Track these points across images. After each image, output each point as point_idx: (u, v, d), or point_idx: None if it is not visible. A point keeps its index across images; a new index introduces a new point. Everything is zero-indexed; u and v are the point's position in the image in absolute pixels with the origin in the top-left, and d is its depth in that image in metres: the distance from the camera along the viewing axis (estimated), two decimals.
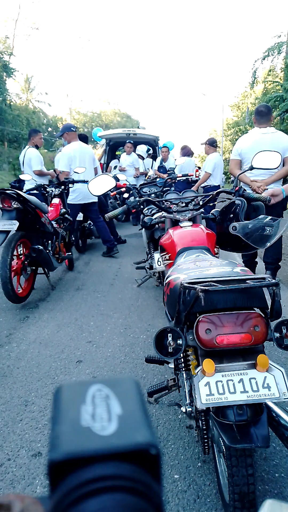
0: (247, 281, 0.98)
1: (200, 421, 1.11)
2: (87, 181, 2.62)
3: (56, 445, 0.18)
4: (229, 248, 1.82)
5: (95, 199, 4.39)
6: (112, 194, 2.46)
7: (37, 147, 4.87)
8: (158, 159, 6.91)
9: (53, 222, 3.34)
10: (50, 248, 3.24)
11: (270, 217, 1.62)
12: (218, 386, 0.92)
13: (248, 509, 0.95)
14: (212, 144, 5.22)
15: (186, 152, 6.31)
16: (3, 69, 19.78)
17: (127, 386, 0.22)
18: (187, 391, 1.18)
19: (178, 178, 4.02)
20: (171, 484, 1.27)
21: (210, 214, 1.91)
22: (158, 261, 2.72)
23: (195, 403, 0.93)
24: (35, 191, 3.85)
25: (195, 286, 0.95)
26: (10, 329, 2.53)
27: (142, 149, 7.39)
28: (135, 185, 3.73)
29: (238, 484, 0.94)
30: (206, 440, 1.10)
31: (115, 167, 7.03)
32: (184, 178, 4.25)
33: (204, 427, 1.09)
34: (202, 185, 5.14)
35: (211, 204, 2.09)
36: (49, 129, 29.16)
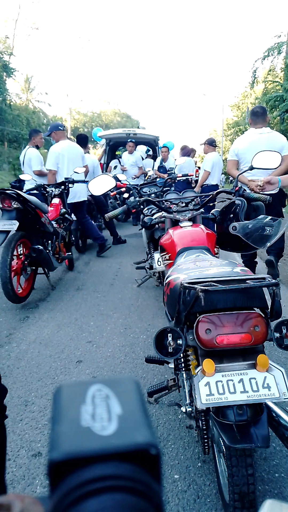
0: (247, 281, 0.98)
1: (200, 421, 1.11)
2: (87, 181, 2.62)
3: (56, 445, 0.18)
4: (229, 248, 1.82)
5: (85, 198, 4.37)
6: (112, 194, 2.46)
7: (37, 147, 4.87)
8: (158, 159, 6.91)
9: (53, 222, 3.35)
10: (50, 248, 3.24)
11: (270, 217, 1.62)
12: (218, 386, 0.92)
13: (248, 509, 0.95)
14: (211, 144, 5.24)
15: (186, 152, 6.31)
16: (3, 69, 19.78)
17: (127, 386, 0.22)
18: (187, 391, 1.18)
19: (178, 178, 4.02)
20: (171, 484, 1.27)
21: (210, 214, 1.91)
22: (158, 261, 2.72)
23: (195, 403, 0.93)
24: (35, 191, 3.85)
25: (195, 286, 0.95)
26: (10, 329, 2.53)
27: (141, 149, 7.39)
28: (136, 185, 3.73)
29: (238, 484, 0.94)
30: (206, 440, 1.10)
31: (115, 167, 7.02)
32: (184, 178, 4.25)
33: (204, 427, 1.09)
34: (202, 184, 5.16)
35: (211, 204, 2.09)
36: None
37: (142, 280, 3.36)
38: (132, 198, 1.99)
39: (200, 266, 1.24)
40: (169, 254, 1.65)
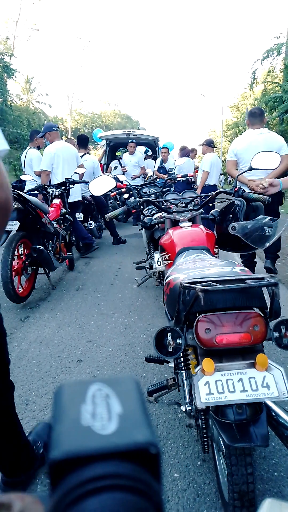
0: (246, 281, 0.99)
1: (199, 420, 1.11)
2: (88, 182, 2.62)
3: (57, 444, 0.18)
4: (228, 248, 1.82)
5: (79, 198, 4.37)
6: (112, 194, 2.46)
7: (38, 147, 4.87)
8: (158, 160, 6.90)
9: (54, 223, 3.35)
10: (50, 248, 3.24)
11: (269, 217, 1.62)
12: (218, 385, 0.92)
13: (248, 508, 0.95)
14: (209, 144, 5.26)
15: (185, 153, 6.31)
16: (3, 70, 19.74)
17: (127, 385, 0.22)
18: (186, 390, 1.18)
19: (178, 179, 4.02)
20: (171, 483, 1.27)
21: (209, 215, 1.91)
22: (158, 261, 2.72)
23: (195, 402, 0.93)
24: (36, 192, 3.85)
25: (195, 286, 0.95)
26: (11, 328, 2.53)
27: (140, 150, 7.38)
28: (136, 185, 3.73)
29: (238, 483, 0.95)
30: (205, 439, 1.11)
31: (115, 168, 7.01)
32: (183, 178, 4.25)
33: (204, 426, 1.09)
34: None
35: (210, 204, 2.10)
36: None
37: (142, 280, 3.36)
38: (132, 199, 2.00)
39: (200, 266, 1.24)
40: (169, 254, 1.66)
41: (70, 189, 3.91)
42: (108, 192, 1.97)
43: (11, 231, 2.71)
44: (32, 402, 1.73)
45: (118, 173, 5.72)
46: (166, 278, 1.31)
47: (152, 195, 3.32)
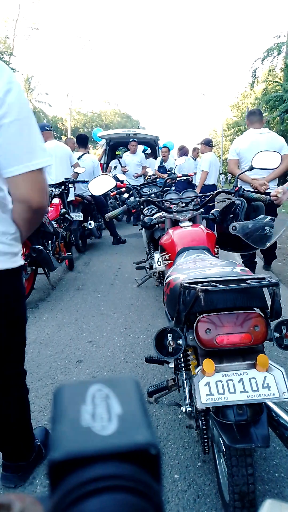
0: (247, 281, 0.98)
1: (200, 421, 1.11)
2: (88, 181, 2.62)
3: (56, 445, 0.18)
4: (229, 248, 1.82)
5: (73, 198, 4.38)
6: (112, 194, 2.46)
7: None
8: (158, 159, 6.91)
9: (53, 222, 3.35)
10: (50, 248, 3.24)
11: (269, 217, 1.62)
12: (218, 386, 0.92)
13: (248, 509, 0.95)
14: (207, 144, 5.23)
15: (184, 152, 6.31)
16: None
17: (127, 386, 0.22)
18: (187, 391, 1.18)
19: (178, 178, 4.03)
20: (171, 484, 1.27)
21: (210, 214, 1.91)
22: (158, 261, 2.72)
23: (195, 403, 0.93)
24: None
25: (195, 286, 0.95)
26: None
27: (139, 149, 7.37)
28: (136, 185, 3.73)
29: (238, 484, 0.94)
30: (206, 440, 1.10)
31: (115, 167, 7.02)
32: (184, 178, 4.25)
33: (204, 427, 1.09)
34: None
35: (211, 204, 2.10)
36: None
37: (142, 280, 3.36)
38: (132, 198, 1.99)
39: (200, 266, 1.24)
40: (169, 254, 1.65)
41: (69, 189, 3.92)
42: (108, 191, 1.97)
43: None
44: (32, 402, 1.72)
45: (118, 173, 5.72)
46: (166, 278, 1.31)
47: (152, 195, 3.32)
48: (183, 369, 1.18)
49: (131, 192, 2.26)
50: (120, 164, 6.85)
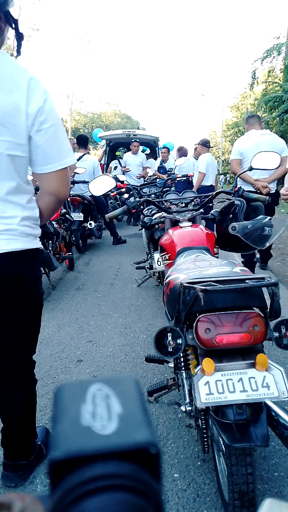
0: (246, 281, 0.99)
1: (199, 420, 1.11)
2: (88, 182, 2.62)
3: (57, 444, 0.18)
4: (228, 248, 1.82)
5: (68, 198, 4.40)
6: (112, 194, 2.46)
7: None
8: (158, 160, 6.90)
9: (54, 223, 3.35)
10: (50, 248, 3.24)
11: (269, 217, 1.62)
12: (218, 385, 0.92)
13: (248, 508, 0.95)
14: (204, 144, 5.17)
15: (183, 153, 6.29)
16: None
17: (127, 385, 0.22)
18: (186, 390, 1.18)
19: (178, 179, 4.02)
20: (171, 483, 1.27)
21: (209, 215, 1.91)
22: (158, 261, 2.72)
23: (195, 402, 0.93)
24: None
25: (195, 286, 0.95)
26: None
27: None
28: (136, 185, 3.73)
29: (238, 483, 0.95)
30: (205, 439, 1.11)
31: (115, 168, 7.01)
32: (184, 178, 4.25)
33: (204, 426, 1.09)
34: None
35: (210, 204, 2.10)
36: None
37: (142, 280, 3.36)
38: (132, 199, 2.00)
39: (200, 266, 1.24)
40: (169, 254, 1.66)
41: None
42: (108, 192, 1.97)
43: None
44: None
45: (118, 173, 5.71)
46: (166, 278, 1.31)
47: (152, 195, 3.32)
48: (183, 368, 1.18)
49: (131, 192, 2.26)
50: (120, 164, 6.84)
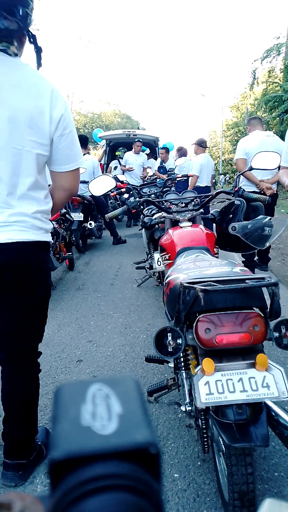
0: (246, 281, 0.99)
1: (199, 420, 1.11)
2: (88, 182, 2.62)
3: (57, 444, 0.18)
4: (228, 248, 1.82)
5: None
6: (112, 194, 2.47)
7: None
8: (159, 160, 6.90)
9: (54, 223, 3.35)
10: (50, 248, 3.24)
11: (269, 217, 1.62)
12: (218, 385, 0.92)
13: (248, 508, 0.95)
14: (200, 144, 5.08)
15: (183, 153, 6.28)
16: None
17: (127, 385, 0.22)
18: (186, 390, 1.18)
19: (178, 179, 4.02)
20: (171, 483, 1.27)
21: (209, 215, 1.91)
22: (158, 261, 2.72)
23: (195, 402, 0.93)
24: None
25: (195, 286, 0.95)
26: None
27: None
28: (136, 185, 3.73)
29: (238, 483, 0.95)
30: (205, 439, 1.11)
31: (115, 168, 7.00)
32: (184, 178, 4.25)
33: (204, 426, 1.09)
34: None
35: (211, 204, 2.10)
36: None
37: (142, 280, 3.36)
38: (132, 199, 2.00)
39: (200, 266, 1.24)
40: (169, 254, 1.66)
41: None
42: (108, 192, 1.97)
43: None
44: None
45: (118, 173, 5.71)
46: (166, 278, 1.32)
47: (152, 195, 3.32)
48: (183, 368, 1.18)
49: (131, 192, 2.26)
50: (120, 164, 6.83)
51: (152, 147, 7.91)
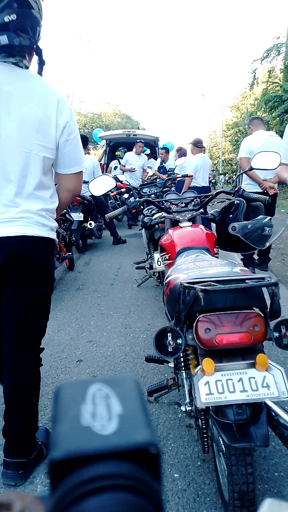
0: (246, 281, 0.99)
1: (199, 420, 1.11)
2: (88, 182, 2.62)
3: (57, 444, 0.18)
4: (228, 248, 1.82)
5: None
6: (112, 194, 2.47)
7: None
8: (159, 160, 6.89)
9: None
10: (55, 246, 3.24)
11: (269, 217, 1.62)
12: (218, 385, 0.92)
13: (248, 508, 0.95)
14: (196, 144, 4.99)
15: (182, 153, 6.27)
16: None
17: (127, 385, 0.22)
18: (186, 390, 1.18)
19: (178, 179, 4.03)
20: (171, 483, 1.27)
21: (209, 215, 1.91)
22: (158, 261, 2.72)
23: (195, 402, 0.93)
24: None
25: (195, 286, 0.95)
26: None
27: None
28: (136, 186, 3.73)
29: (238, 483, 0.95)
30: (205, 439, 1.11)
31: (115, 168, 7.00)
32: (184, 178, 4.25)
33: (204, 426, 1.09)
34: (190, 185, 5.05)
35: (211, 204, 2.10)
36: None
37: (142, 280, 3.36)
38: (132, 199, 2.00)
39: (200, 266, 1.24)
40: (169, 254, 1.66)
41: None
42: (108, 192, 1.97)
43: None
44: None
45: (118, 173, 5.71)
46: (166, 278, 1.32)
47: (152, 195, 3.32)
48: (183, 368, 1.18)
49: (131, 192, 2.26)
50: (120, 164, 6.82)
51: (152, 147, 7.92)
